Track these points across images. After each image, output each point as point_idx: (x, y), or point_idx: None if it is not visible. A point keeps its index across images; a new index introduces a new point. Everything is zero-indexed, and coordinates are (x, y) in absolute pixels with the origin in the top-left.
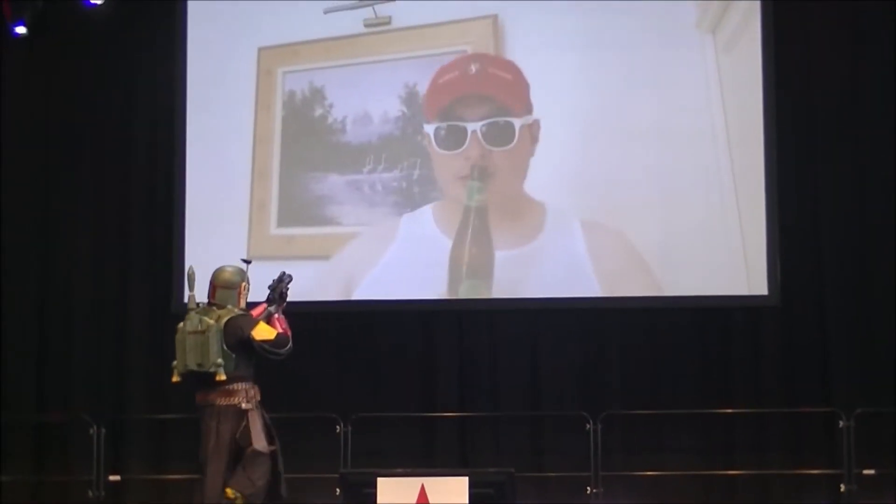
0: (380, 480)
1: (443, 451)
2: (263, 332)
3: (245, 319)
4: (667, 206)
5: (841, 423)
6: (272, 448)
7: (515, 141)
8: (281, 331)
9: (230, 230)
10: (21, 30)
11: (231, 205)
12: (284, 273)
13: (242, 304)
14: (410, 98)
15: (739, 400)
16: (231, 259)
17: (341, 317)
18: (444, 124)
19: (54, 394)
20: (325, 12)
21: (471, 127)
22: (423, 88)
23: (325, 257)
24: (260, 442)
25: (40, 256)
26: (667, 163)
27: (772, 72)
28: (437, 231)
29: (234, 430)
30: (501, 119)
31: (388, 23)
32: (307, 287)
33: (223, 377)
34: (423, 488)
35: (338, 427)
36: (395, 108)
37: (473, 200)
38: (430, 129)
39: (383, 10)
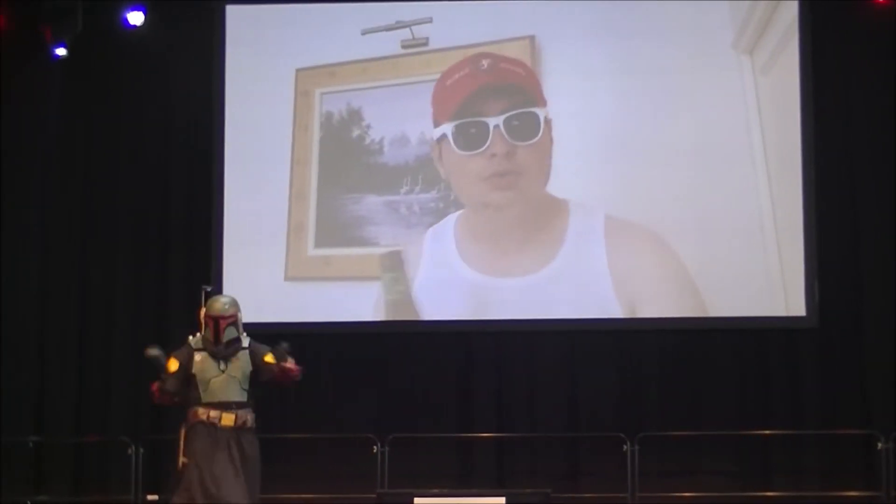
0: (417, 501)
1: (480, 472)
2: (169, 363)
3: (177, 350)
4: (705, 227)
5: (879, 445)
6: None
7: (541, 134)
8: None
9: (268, 252)
10: (61, 52)
11: (269, 226)
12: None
13: (202, 331)
14: None
15: (777, 422)
16: (269, 281)
17: (378, 337)
18: (461, 122)
19: (93, 416)
20: (363, 33)
21: (492, 122)
22: None
23: (363, 278)
24: (180, 460)
25: (79, 282)
26: (704, 184)
27: (810, 92)
28: (455, 251)
29: None
30: (524, 110)
31: (426, 44)
32: (344, 308)
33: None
34: None
35: (374, 448)
36: (432, 128)
37: (394, 293)
38: (446, 129)
39: (420, 31)
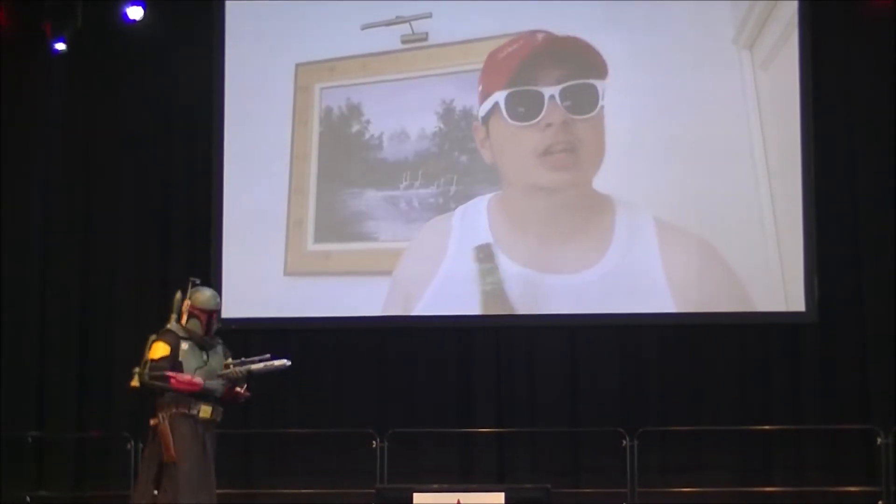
0: (416, 495)
1: (480, 467)
2: (153, 350)
3: (160, 335)
4: (705, 222)
5: (879, 440)
6: (182, 464)
7: (599, 107)
8: (173, 378)
9: (267, 247)
10: (60, 46)
11: (268, 221)
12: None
13: (183, 321)
14: (447, 114)
15: (777, 417)
16: (268, 276)
17: (378, 332)
18: (514, 90)
19: (94, 411)
20: (363, 28)
21: (548, 91)
22: (460, 105)
23: (362, 273)
24: (169, 453)
25: (80, 277)
26: (704, 178)
27: (809, 87)
28: (489, 234)
29: (152, 443)
30: (582, 81)
31: (425, 39)
32: (343, 303)
33: (134, 384)
34: (458, 503)
35: (374, 443)
36: (431, 124)
37: (487, 284)
38: (498, 97)
39: (420, 26)
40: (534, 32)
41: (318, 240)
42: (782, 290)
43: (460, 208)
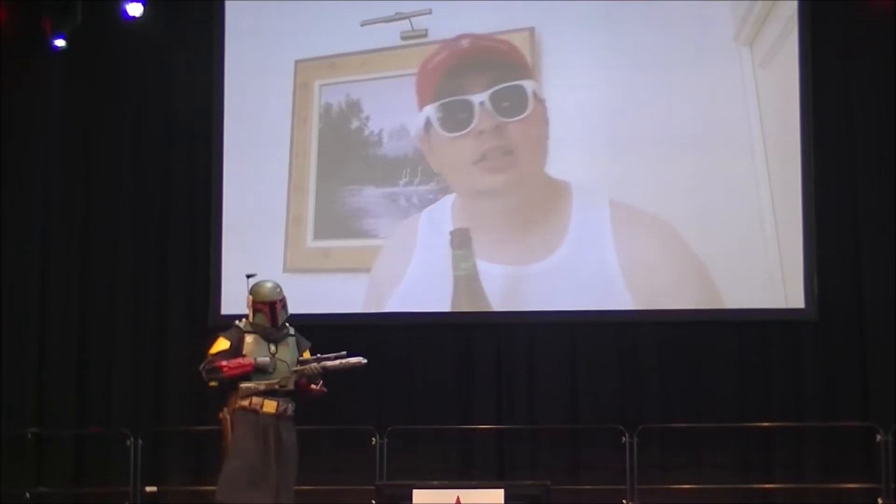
0: (415, 492)
1: (479, 464)
2: (213, 346)
3: (224, 332)
4: (704, 219)
5: (878, 438)
6: (233, 461)
7: (530, 108)
8: (225, 365)
9: (267, 243)
10: (60, 43)
11: (268, 218)
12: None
13: (250, 317)
14: None
15: (777, 414)
16: (268, 273)
17: (377, 329)
18: (444, 102)
19: (94, 407)
20: (362, 25)
21: (477, 98)
22: None
23: (361, 270)
24: (227, 447)
25: (80, 274)
26: (704, 175)
27: (809, 85)
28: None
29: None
30: (511, 84)
31: (425, 35)
32: (342, 300)
33: (213, 383)
34: (458, 500)
35: (373, 439)
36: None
37: (461, 270)
38: (429, 111)
39: (420, 22)
40: (459, 39)
41: (317, 236)
42: (782, 287)
43: (426, 210)
